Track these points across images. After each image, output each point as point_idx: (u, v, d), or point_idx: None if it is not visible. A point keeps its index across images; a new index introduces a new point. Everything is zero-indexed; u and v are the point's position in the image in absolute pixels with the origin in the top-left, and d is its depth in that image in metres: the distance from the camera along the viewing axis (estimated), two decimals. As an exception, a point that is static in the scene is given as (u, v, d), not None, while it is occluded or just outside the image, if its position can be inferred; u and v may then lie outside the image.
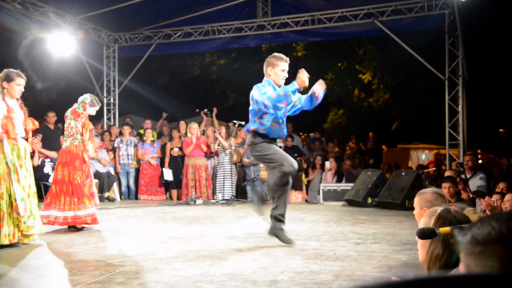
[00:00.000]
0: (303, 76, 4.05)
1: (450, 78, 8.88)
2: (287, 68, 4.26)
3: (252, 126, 4.25)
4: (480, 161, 14.61)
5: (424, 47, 9.71)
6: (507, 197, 4.02)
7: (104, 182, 8.46)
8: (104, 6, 9.10)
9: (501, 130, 22.76)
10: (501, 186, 5.49)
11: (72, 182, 5.06)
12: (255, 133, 4.23)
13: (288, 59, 4.29)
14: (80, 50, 9.88)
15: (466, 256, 0.69)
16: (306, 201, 9.21)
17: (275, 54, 4.31)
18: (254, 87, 4.21)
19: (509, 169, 9.04)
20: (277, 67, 4.21)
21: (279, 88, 4.15)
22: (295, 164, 4.16)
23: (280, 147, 4.46)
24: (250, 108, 4.27)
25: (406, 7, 8.88)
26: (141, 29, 10.56)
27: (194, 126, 8.92)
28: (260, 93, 4.10)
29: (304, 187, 9.32)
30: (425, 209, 2.13)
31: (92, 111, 5.38)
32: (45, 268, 3.42)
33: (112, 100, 11.06)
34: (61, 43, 8.98)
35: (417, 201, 2.53)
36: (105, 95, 10.96)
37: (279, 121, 4.25)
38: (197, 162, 8.77)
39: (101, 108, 10.88)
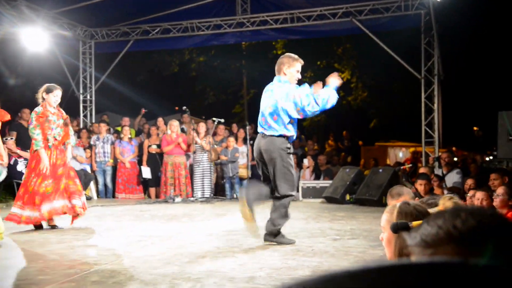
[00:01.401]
0: (337, 77, 4.12)
1: (426, 77, 9.05)
2: (300, 69, 4.21)
3: (279, 131, 4.03)
4: (455, 159, 14.95)
5: (401, 46, 9.86)
6: (478, 195, 4.11)
7: (80, 180, 8.28)
8: (80, 1, 8.90)
9: (475, 128, 23.33)
10: (469, 182, 5.64)
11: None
12: (280, 137, 4.05)
13: (302, 61, 4.23)
14: (55, 46, 9.65)
15: (418, 258, 0.68)
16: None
17: (291, 54, 4.25)
18: (282, 87, 4.04)
19: (482, 166, 9.27)
20: (293, 67, 4.14)
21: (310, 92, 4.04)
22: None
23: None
24: (275, 110, 4.04)
25: (383, 7, 9.00)
26: (118, 25, 10.39)
27: (175, 123, 8.83)
28: (301, 93, 3.96)
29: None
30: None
31: (52, 98, 5.15)
32: (16, 268, 3.32)
33: (88, 97, 10.85)
34: (35, 38, 8.75)
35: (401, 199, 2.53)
36: (81, 91, 10.75)
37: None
38: (176, 160, 8.68)
39: (77, 105, 10.68)
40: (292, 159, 4.13)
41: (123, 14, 9.96)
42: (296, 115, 4.04)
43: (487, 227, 0.65)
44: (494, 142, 7.85)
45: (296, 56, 4.21)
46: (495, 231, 0.65)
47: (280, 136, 4.06)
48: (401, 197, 2.78)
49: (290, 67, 4.14)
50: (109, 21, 10.28)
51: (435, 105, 8.97)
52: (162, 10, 9.94)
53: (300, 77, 4.21)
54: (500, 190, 3.88)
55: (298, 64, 4.18)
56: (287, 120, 4.05)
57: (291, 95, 4.00)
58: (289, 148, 4.09)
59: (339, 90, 4.21)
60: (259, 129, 4.21)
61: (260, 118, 4.20)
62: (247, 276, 3.03)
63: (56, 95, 5.19)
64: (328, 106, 3.99)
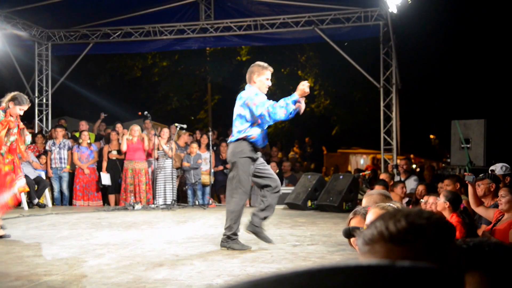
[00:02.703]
0: (305, 87, 4.07)
1: (385, 86, 9.33)
2: (270, 77, 4.32)
3: (242, 134, 4.17)
4: (414, 166, 15.47)
5: (361, 55, 10.13)
6: (431, 199, 4.26)
7: (30, 187, 7.92)
8: (36, 0, 8.58)
9: (432, 136, 24.26)
10: (420, 188, 5.86)
11: None
12: (244, 140, 4.16)
13: (272, 68, 4.34)
14: (8, 46, 9.24)
15: (361, 255, 0.74)
16: (250, 204, 9.22)
17: (259, 62, 4.35)
18: (245, 95, 4.17)
19: (437, 173, 9.62)
20: (262, 75, 4.26)
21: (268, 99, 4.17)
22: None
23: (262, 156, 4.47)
24: (237, 116, 4.21)
25: (344, 17, 9.23)
26: (77, 27, 10.09)
27: (136, 128, 8.63)
28: (257, 102, 4.07)
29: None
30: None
31: (17, 111, 4.99)
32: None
33: (44, 100, 10.45)
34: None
35: (365, 202, 2.57)
36: (36, 95, 10.33)
37: (266, 129, 4.34)
38: (136, 166, 8.49)
39: (32, 109, 10.26)
40: (249, 165, 4.18)
41: (82, 16, 9.69)
42: (257, 120, 4.16)
43: (417, 228, 0.68)
44: (448, 150, 8.18)
45: (265, 65, 4.31)
46: (424, 232, 0.68)
47: (238, 140, 4.19)
48: (368, 196, 2.77)
49: (260, 75, 4.25)
50: (67, 23, 9.96)
51: (393, 113, 9.25)
52: (124, 14, 9.75)
53: (270, 84, 4.33)
54: (441, 195, 4.04)
55: (268, 72, 4.28)
56: (246, 125, 4.17)
57: (248, 102, 4.13)
58: (242, 151, 4.15)
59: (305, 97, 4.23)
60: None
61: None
62: (205, 284, 2.99)
63: (22, 109, 5.05)
64: (283, 115, 4.01)
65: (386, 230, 0.71)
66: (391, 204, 1.92)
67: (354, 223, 2.33)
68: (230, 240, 4.14)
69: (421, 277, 0.51)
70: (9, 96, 5.01)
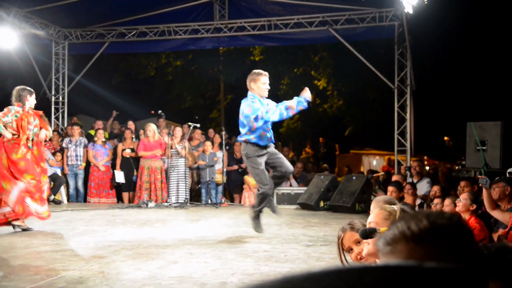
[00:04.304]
0: (308, 93, 4.60)
1: (399, 87, 9.26)
2: (267, 81, 4.75)
3: (243, 137, 4.75)
4: (427, 168, 15.31)
5: (375, 56, 10.06)
6: (446, 201, 4.23)
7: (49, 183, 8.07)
8: (53, 0, 8.72)
9: (446, 138, 23.96)
10: (435, 189, 5.81)
11: None
12: (247, 143, 4.72)
13: (267, 73, 4.79)
14: (26, 45, 9.41)
15: (381, 257, 0.76)
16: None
17: (255, 70, 4.84)
18: (244, 102, 4.73)
19: (451, 175, 9.51)
20: (258, 81, 4.71)
21: (266, 102, 4.73)
22: (271, 183, 4.83)
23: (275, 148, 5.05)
24: (240, 121, 4.78)
25: (358, 17, 9.18)
26: (93, 27, 10.22)
27: (151, 127, 8.67)
28: (252, 108, 4.60)
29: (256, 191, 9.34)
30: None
31: (34, 101, 5.24)
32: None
33: (61, 98, 10.61)
34: (4, 36, 8.52)
35: (372, 207, 2.56)
36: (53, 93, 10.50)
37: (267, 129, 4.76)
38: (153, 164, 8.56)
39: (49, 107, 10.43)
40: (256, 160, 4.71)
41: (98, 15, 9.82)
42: (254, 125, 4.63)
43: (438, 227, 0.70)
44: (463, 152, 8.07)
45: (259, 71, 4.78)
46: (445, 231, 0.70)
47: (243, 142, 4.78)
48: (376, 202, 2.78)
49: (256, 82, 4.71)
50: (83, 22, 10.10)
51: (408, 114, 9.18)
52: (139, 13, 9.85)
53: (269, 87, 4.76)
54: (463, 196, 4.01)
55: (263, 77, 4.72)
56: (246, 129, 4.72)
57: (243, 109, 4.70)
58: (247, 154, 4.73)
59: (315, 97, 4.56)
60: None
61: None
62: (219, 282, 3.02)
63: (34, 97, 5.32)
64: (276, 117, 4.53)
65: (408, 229, 0.72)
66: (394, 207, 1.92)
67: (346, 239, 2.26)
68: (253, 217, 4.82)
69: (449, 278, 0.52)
70: (15, 94, 5.13)
